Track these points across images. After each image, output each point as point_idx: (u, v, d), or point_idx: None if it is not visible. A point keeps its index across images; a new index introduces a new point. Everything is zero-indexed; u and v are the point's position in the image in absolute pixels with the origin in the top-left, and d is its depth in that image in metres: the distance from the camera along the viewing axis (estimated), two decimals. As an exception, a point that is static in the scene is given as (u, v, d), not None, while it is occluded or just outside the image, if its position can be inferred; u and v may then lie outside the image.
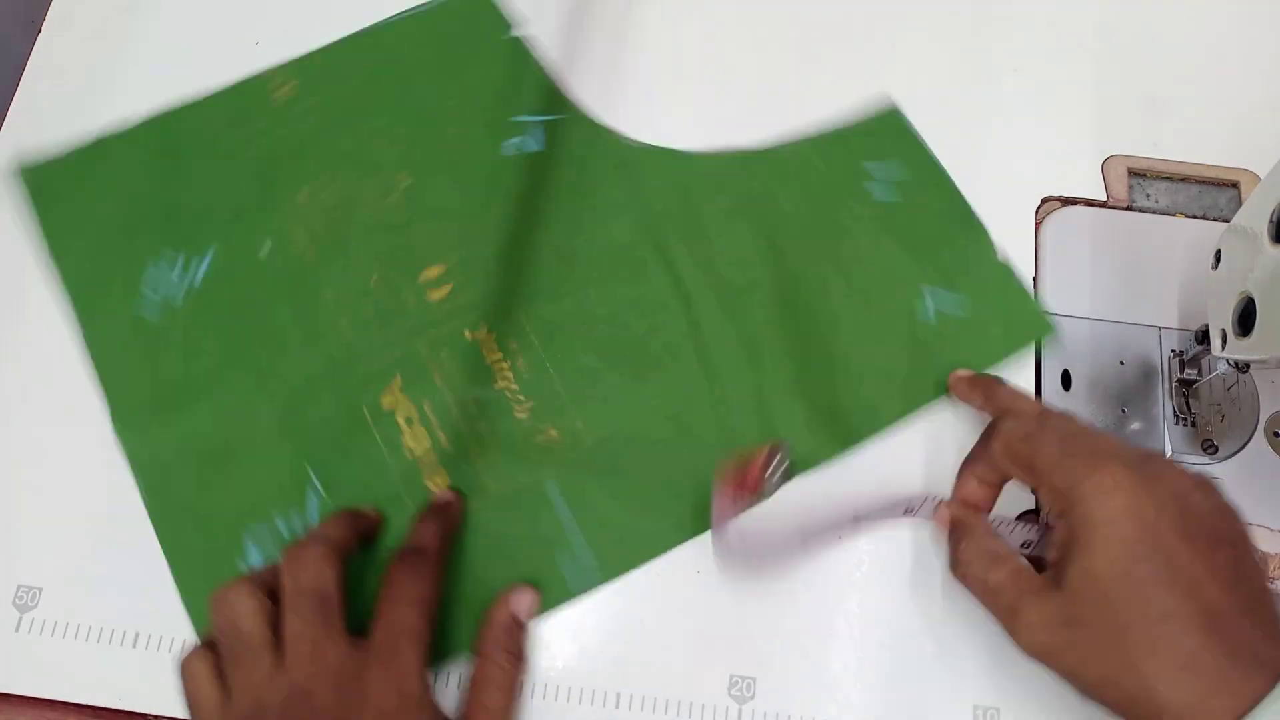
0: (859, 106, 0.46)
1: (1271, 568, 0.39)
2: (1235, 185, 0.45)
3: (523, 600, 0.37)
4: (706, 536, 0.38)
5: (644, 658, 0.37)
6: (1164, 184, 0.45)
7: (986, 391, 0.39)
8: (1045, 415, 0.35)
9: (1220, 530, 0.31)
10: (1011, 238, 0.44)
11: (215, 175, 0.44)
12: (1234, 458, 0.40)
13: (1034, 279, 0.43)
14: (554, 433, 0.40)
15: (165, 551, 0.38)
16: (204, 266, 0.43)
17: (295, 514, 0.39)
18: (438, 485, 0.39)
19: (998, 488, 0.36)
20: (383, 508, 0.39)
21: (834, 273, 0.42)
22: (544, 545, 0.38)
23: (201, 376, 0.41)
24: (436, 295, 0.42)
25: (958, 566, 0.35)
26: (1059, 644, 0.31)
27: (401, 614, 0.33)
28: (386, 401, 0.40)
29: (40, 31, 0.47)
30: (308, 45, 0.47)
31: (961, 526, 0.35)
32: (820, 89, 0.46)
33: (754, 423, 0.40)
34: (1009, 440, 0.34)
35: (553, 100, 0.46)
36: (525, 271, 0.43)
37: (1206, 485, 0.32)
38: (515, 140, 0.44)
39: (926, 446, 0.40)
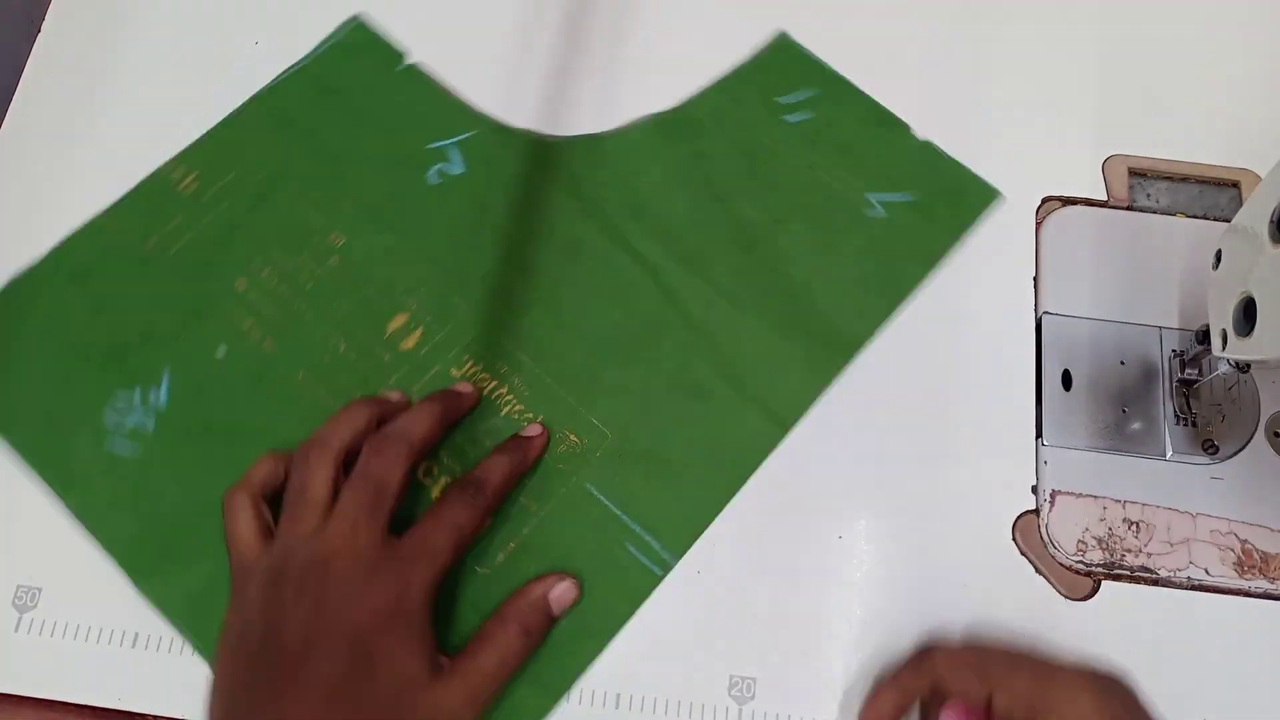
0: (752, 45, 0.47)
1: (1272, 569, 0.39)
2: (1236, 185, 0.45)
3: (559, 587, 0.37)
4: (742, 523, 0.39)
5: (644, 658, 0.37)
6: (1165, 184, 0.45)
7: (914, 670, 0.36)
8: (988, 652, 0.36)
9: None
10: (1012, 237, 0.44)
11: (145, 289, 0.42)
12: (1234, 458, 0.40)
13: (1034, 279, 0.43)
14: (574, 438, 0.40)
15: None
16: (164, 390, 0.41)
17: None
18: None
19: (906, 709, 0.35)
20: None
21: (779, 204, 0.44)
22: (610, 541, 0.39)
23: (202, 504, 0.38)
24: (409, 343, 0.42)
25: None
26: None
27: (435, 533, 0.35)
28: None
29: (40, 31, 0.47)
30: (307, 45, 0.47)
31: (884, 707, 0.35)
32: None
33: (760, 365, 0.41)
34: (954, 655, 0.35)
35: (461, 118, 0.45)
36: (488, 293, 0.42)
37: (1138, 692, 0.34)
38: (436, 167, 0.44)
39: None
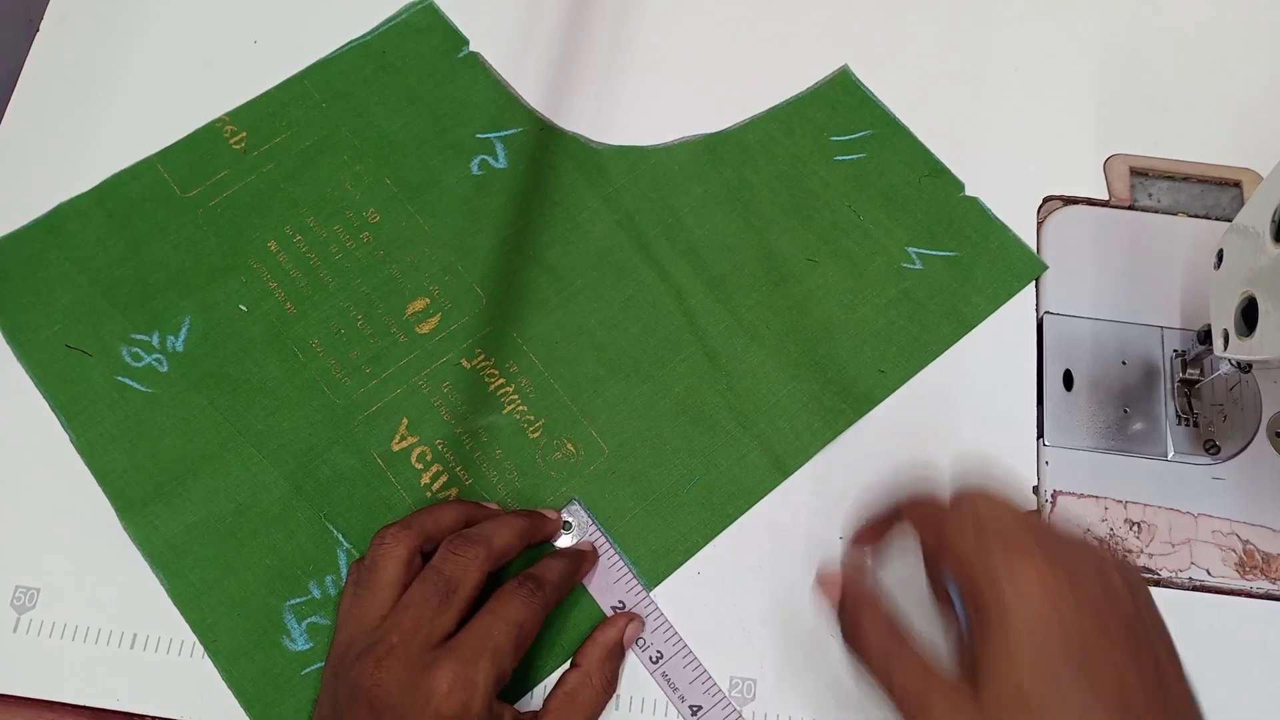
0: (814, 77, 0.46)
1: (1273, 569, 0.39)
2: (1237, 184, 0.45)
3: (633, 628, 0.37)
4: (741, 524, 0.39)
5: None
6: (1166, 183, 0.45)
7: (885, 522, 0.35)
8: (960, 497, 0.32)
9: (1143, 624, 0.29)
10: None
11: (180, 236, 0.43)
12: (1236, 458, 0.40)
13: (1035, 278, 0.43)
14: (570, 447, 0.40)
15: (203, 643, 0.37)
16: (182, 337, 0.41)
17: (329, 577, 0.38)
18: None
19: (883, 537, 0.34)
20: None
21: (817, 242, 0.43)
22: None
23: (200, 452, 0.39)
24: (425, 328, 0.42)
25: (858, 641, 0.31)
26: None
27: (495, 629, 0.33)
28: (397, 445, 0.40)
29: (38, 31, 0.47)
30: (307, 44, 0.47)
31: (856, 594, 0.32)
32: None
33: (769, 404, 0.40)
34: (921, 502, 0.33)
35: (511, 113, 0.45)
36: (511, 290, 0.42)
37: (1127, 568, 0.30)
38: (480, 158, 0.44)
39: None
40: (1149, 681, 0.28)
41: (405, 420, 0.40)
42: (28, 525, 0.39)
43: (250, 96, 0.46)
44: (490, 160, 0.44)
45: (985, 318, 0.42)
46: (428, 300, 0.42)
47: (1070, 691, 0.27)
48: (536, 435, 0.40)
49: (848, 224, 0.43)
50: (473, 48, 0.47)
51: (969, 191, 0.44)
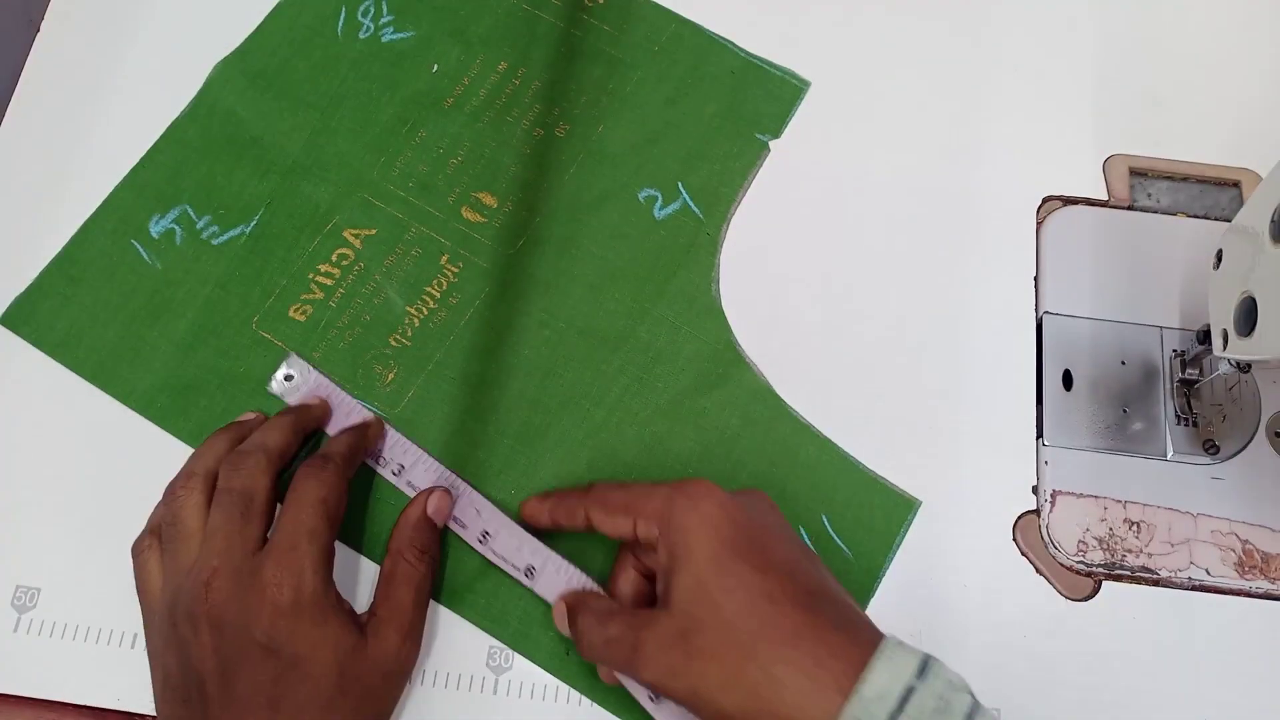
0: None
1: (1272, 569, 0.39)
2: (1237, 184, 0.45)
3: (434, 499, 0.37)
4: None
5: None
6: (1165, 183, 0.45)
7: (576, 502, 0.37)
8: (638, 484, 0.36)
9: (798, 538, 0.34)
10: (1012, 237, 0.44)
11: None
12: (1235, 458, 0.40)
13: (1035, 279, 0.43)
14: (390, 376, 0.41)
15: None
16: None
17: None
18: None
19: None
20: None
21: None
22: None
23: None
24: (473, 217, 0.43)
25: (582, 645, 0.34)
26: (679, 662, 0.30)
27: (301, 515, 0.34)
28: (349, 235, 0.43)
29: (39, 30, 0.47)
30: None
31: (574, 608, 0.35)
32: (820, 88, 0.46)
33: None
34: (602, 492, 0.35)
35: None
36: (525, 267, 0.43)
37: (771, 501, 0.35)
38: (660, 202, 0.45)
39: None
40: (817, 566, 0.33)
41: (376, 231, 0.43)
42: (28, 525, 0.39)
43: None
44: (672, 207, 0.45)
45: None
46: (496, 202, 0.44)
47: (751, 574, 0.31)
48: (392, 345, 0.41)
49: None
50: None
51: (966, 200, 0.44)
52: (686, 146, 0.45)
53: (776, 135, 0.45)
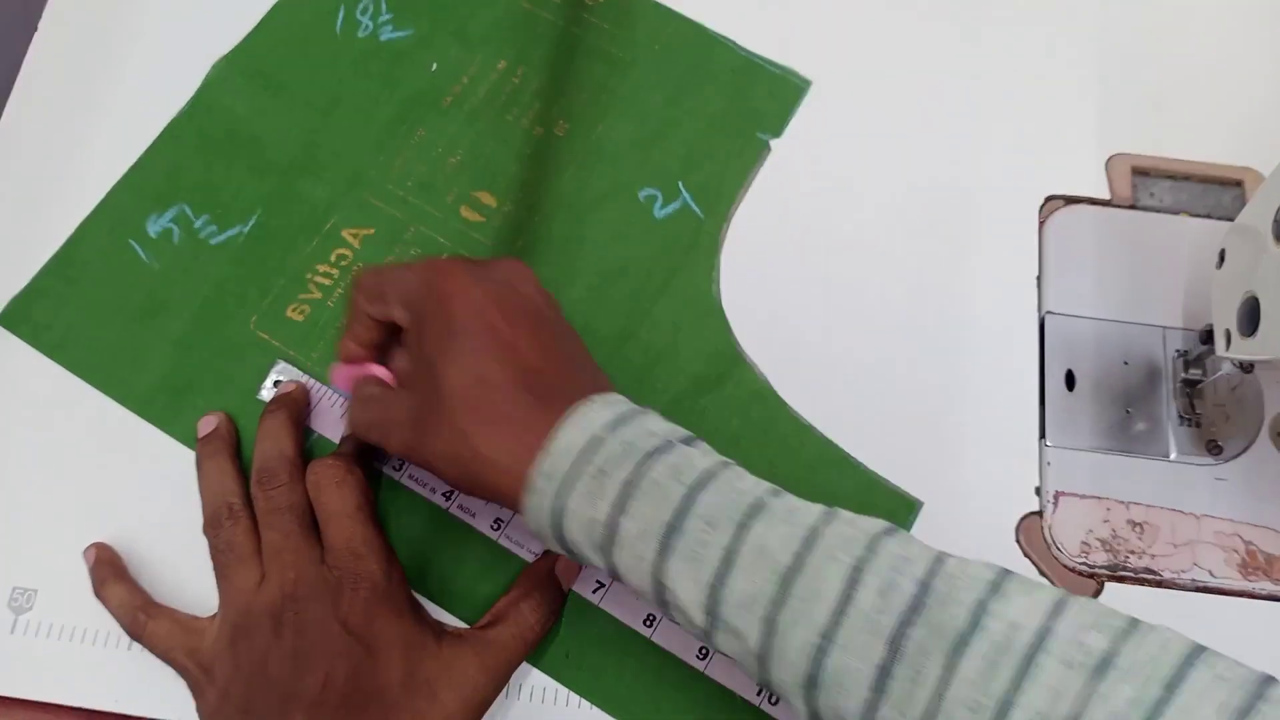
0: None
1: (1276, 570, 0.38)
2: (1239, 184, 0.44)
3: (563, 562, 0.37)
4: None
5: (643, 660, 0.37)
6: (1168, 183, 0.45)
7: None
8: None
9: (543, 311, 0.35)
10: (1014, 237, 0.43)
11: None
12: (1239, 458, 0.40)
13: (1037, 278, 0.43)
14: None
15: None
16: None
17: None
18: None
19: (375, 346, 0.37)
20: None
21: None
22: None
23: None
24: (471, 216, 0.43)
25: (352, 424, 0.36)
26: (413, 439, 0.33)
27: (348, 526, 0.35)
28: (347, 235, 0.43)
29: (36, 31, 0.47)
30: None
31: (354, 394, 0.36)
32: (820, 88, 0.46)
33: None
34: (364, 284, 0.36)
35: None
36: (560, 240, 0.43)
37: (528, 272, 0.36)
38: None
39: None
40: (542, 346, 0.33)
41: (373, 230, 0.43)
42: (25, 526, 0.39)
43: None
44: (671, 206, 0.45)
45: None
46: (496, 202, 0.43)
47: (472, 360, 0.32)
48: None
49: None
50: None
51: (968, 199, 0.44)
52: (687, 146, 0.45)
53: (777, 134, 0.45)
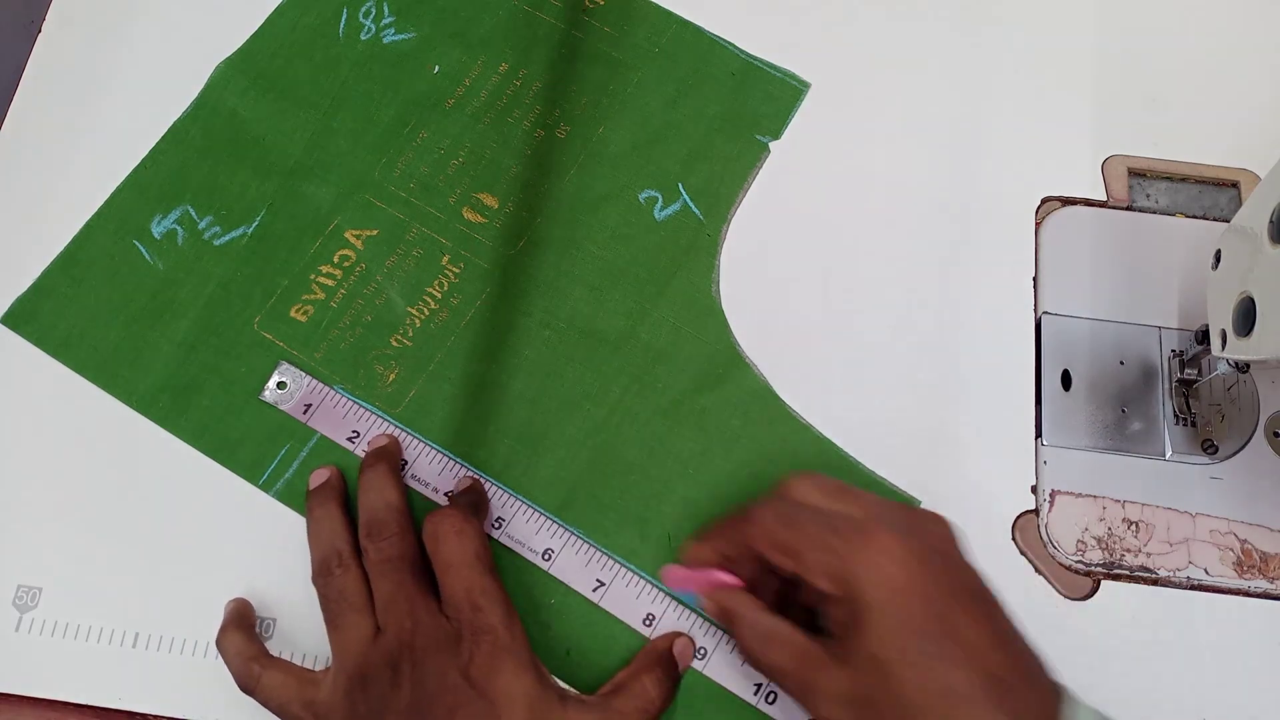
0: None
1: (1271, 569, 0.39)
2: (1235, 185, 0.45)
3: (680, 643, 0.37)
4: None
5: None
6: (1164, 184, 0.45)
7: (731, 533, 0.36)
8: (796, 498, 0.35)
9: (987, 592, 0.32)
10: (1011, 238, 0.44)
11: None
12: (1234, 458, 0.40)
13: (1034, 279, 0.43)
14: (392, 376, 0.41)
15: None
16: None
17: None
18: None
19: (753, 562, 0.35)
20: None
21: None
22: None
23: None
24: (474, 217, 0.43)
25: (744, 654, 0.35)
26: (855, 716, 0.31)
27: (466, 575, 0.34)
28: (350, 236, 0.43)
29: (40, 32, 0.47)
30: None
31: (730, 613, 0.34)
32: (820, 89, 0.46)
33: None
34: (768, 530, 0.34)
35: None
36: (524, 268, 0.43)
37: (956, 535, 0.34)
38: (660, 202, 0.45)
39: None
40: (999, 640, 0.31)
41: (377, 231, 0.43)
42: (30, 524, 0.39)
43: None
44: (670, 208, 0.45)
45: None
46: (497, 203, 0.44)
47: (933, 663, 0.30)
48: (396, 346, 0.42)
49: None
50: None
51: (965, 200, 0.44)
52: (687, 148, 0.45)
53: (777, 136, 0.45)
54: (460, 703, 0.32)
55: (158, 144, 0.45)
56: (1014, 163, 0.45)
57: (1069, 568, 0.39)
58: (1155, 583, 0.39)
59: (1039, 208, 0.44)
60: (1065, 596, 0.38)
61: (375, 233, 0.43)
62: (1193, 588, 0.39)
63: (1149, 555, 0.39)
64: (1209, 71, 0.47)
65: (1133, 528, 0.39)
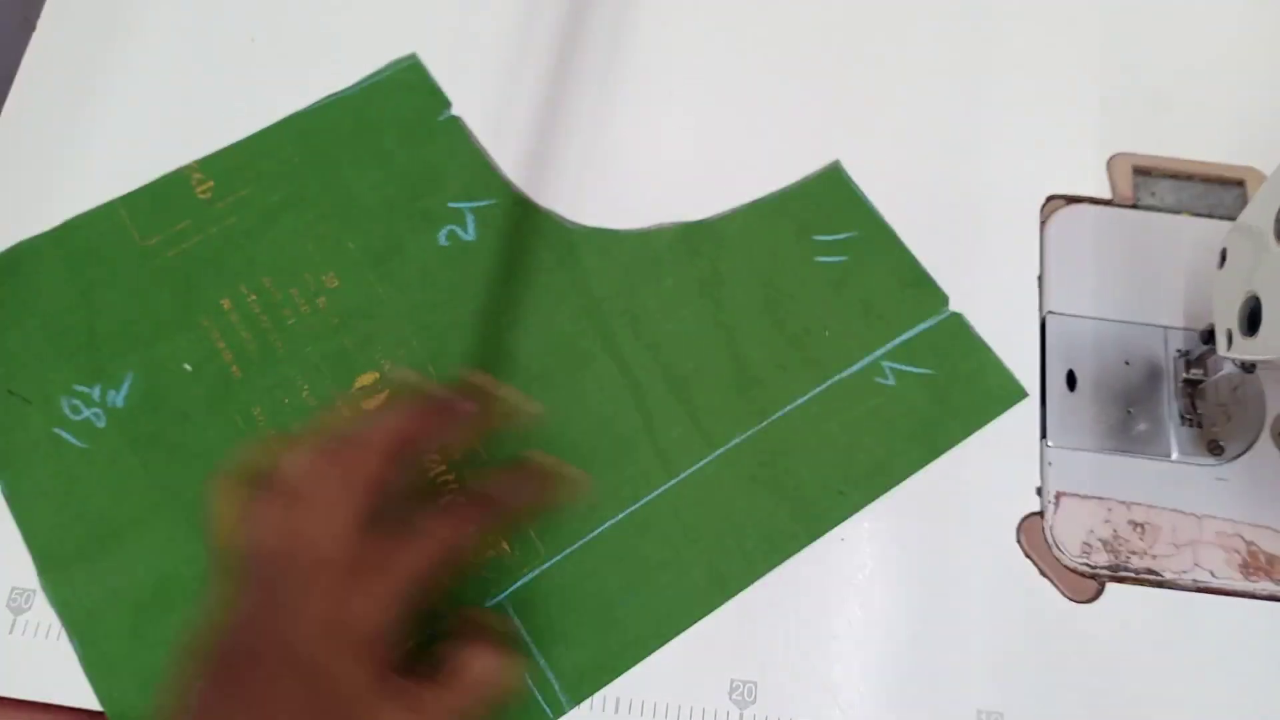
0: (803, 170, 0.44)
1: (1277, 571, 0.38)
2: (1241, 183, 0.44)
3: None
4: (684, 645, 0.37)
5: (645, 662, 0.37)
6: (1169, 182, 0.45)
7: None
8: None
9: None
10: (1016, 236, 0.43)
11: (134, 286, 0.42)
12: (1240, 458, 0.40)
13: (1039, 278, 0.43)
14: (505, 546, 0.38)
15: (107, 710, 0.36)
16: (123, 393, 0.40)
17: None
18: None
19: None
20: None
21: (787, 348, 0.41)
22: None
23: (128, 515, 0.38)
24: (371, 404, 0.40)
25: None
26: None
27: (409, 544, 0.31)
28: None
29: (35, 30, 0.47)
30: (306, 43, 0.47)
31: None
32: (816, 96, 0.46)
33: (717, 517, 0.38)
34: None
35: (487, 183, 0.43)
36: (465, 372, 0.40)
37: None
38: (449, 228, 0.42)
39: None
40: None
41: None
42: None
43: (225, 144, 0.44)
44: (459, 231, 0.42)
45: (957, 443, 0.40)
46: (377, 375, 0.40)
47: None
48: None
49: (820, 330, 0.41)
50: (454, 111, 0.45)
51: (969, 199, 0.44)
52: None
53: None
54: (285, 680, 0.29)
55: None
56: (1019, 161, 0.45)
57: (1074, 570, 0.38)
58: (1161, 585, 0.38)
59: (1044, 206, 0.44)
60: (1070, 599, 0.38)
61: None
62: (1198, 590, 0.38)
63: (1155, 557, 0.39)
64: (1214, 69, 0.46)
65: (1138, 529, 0.39)
